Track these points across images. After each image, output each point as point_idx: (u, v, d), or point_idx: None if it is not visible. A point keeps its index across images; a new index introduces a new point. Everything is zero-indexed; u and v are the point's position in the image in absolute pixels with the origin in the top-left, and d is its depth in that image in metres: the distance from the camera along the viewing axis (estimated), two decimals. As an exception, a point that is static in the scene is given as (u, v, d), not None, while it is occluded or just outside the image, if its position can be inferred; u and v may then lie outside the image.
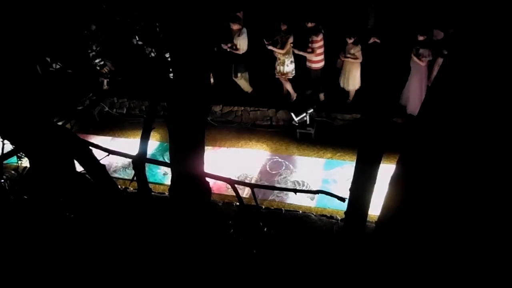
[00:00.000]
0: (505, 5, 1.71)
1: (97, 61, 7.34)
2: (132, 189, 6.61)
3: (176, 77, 3.00)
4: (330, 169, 7.02)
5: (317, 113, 7.79)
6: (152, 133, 3.73)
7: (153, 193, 6.48)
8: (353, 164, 3.26)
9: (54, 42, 3.43)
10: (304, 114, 7.49)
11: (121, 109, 9.36)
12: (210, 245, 4.40)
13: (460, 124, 2.04)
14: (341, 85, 7.93)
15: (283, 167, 7.22)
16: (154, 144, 8.08)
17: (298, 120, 7.57)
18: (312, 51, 7.57)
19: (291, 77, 8.05)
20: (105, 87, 9.02)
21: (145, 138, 3.59)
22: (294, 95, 8.30)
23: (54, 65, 3.74)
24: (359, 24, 8.48)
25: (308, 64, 7.80)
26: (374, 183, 3.19)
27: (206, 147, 3.61)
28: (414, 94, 7.24)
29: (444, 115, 2.14)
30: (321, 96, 8.19)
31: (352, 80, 7.75)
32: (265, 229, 5.43)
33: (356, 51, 7.42)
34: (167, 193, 6.28)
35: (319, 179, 6.82)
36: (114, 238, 4.10)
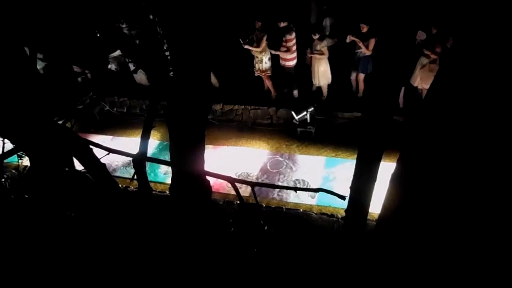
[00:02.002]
0: (503, 5, 1.71)
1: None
2: (132, 188, 6.63)
3: (176, 75, 3.00)
4: (330, 168, 7.02)
5: (318, 112, 7.79)
6: (152, 132, 3.73)
7: (153, 192, 6.49)
8: (354, 162, 3.26)
9: (54, 40, 3.43)
10: (305, 113, 7.49)
11: (121, 108, 9.36)
12: (211, 243, 4.41)
13: (459, 123, 2.04)
14: (313, 81, 8.09)
15: (284, 166, 7.23)
16: (154, 143, 8.09)
17: (298, 119, 7.57)
18: (288, 50, 7.71)
19: (270, 74, 8.20)
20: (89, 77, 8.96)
21: (145, 137, 3.59)
22: (274, 93, 8.45)
23: (54, 64, 3.74)
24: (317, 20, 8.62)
25: (282, 62, 7.97)
26: (375, 181, 3.19)
27: (206, 146, 3.61)
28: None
29: (443, 114, 2.14)
30: (295, 93, 8.35)
31: (322, 75, 7.92)
32: (266, 228, 5.44)
33: (322, 46, 7.56)
34: (167, 192, 6.28)
35: (319, 178, 6.82)
36: (115, 237, 4.10)
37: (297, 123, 7.66)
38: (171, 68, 3.06)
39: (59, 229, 3.94)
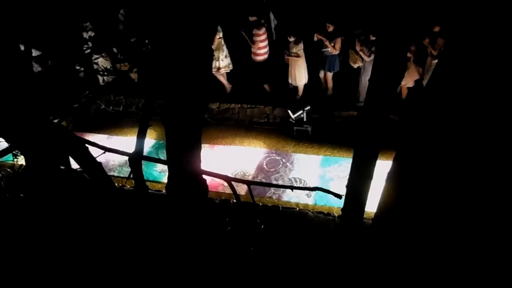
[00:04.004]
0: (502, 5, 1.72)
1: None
2: (129, 187, 6.61)
3: (173, 74, 2.99)
4: (327, 166, 7.03)
5: (314, 110, 7.81)
6: (148, 131, 3.72)
7: (150, 191, 6.46)
8: (350, 161, 3.27)
9: (50, 38, 3.41)
10: (301, 111, 7.50)
11: (117, 106, 9.32)
12: (208, 242, 4.41)
13: (455, 122, 2.05)
14: (289, 81, 8.23)
15: (280, 165, 7.23)
16: (150, 142, 8.06)
17: (295, 118, 7.57)
18: (254, 43, 7.86)
19: (228, 71, 8.37)
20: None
21: (141, 136, 3.57)
22: (229, 89, 8.64)
23: (49, 62, 3.72)
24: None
25: (253, 56, 8.15)
26: (371, 179, 3.20)
27: (203, 145, 3.60)
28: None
29: (439, 113, 2.15)
30: (266, 86, 8.53)
31: (298, 76, 8.04)
32: (262, 226, 5.44)
33: (298, 49, 7.68)
34: (164, 191, 6.26)
35: (316, 176, 6.83)
36: (111, 236, 4.09)
37: (294, 122, 7.67)
38: (167, 67, 3.04)
39: (55, 228, 3.92)
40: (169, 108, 3.17)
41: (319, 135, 7.73)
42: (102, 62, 7.90)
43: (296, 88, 8.26)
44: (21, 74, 3.10)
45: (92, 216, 4.05)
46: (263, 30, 7.83)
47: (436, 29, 6.83)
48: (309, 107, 7.50)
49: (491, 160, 2.02)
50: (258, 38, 7.83)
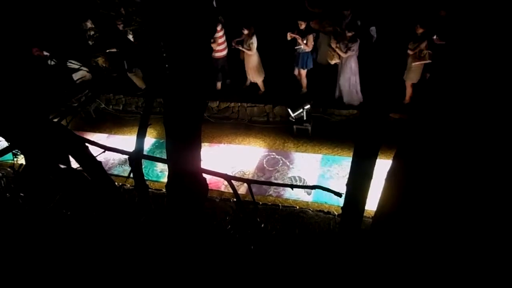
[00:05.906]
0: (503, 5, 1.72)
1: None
2: (129, 186, 6.61)
3: (173, 73, 2.99)
4: (327, 165, 7.03)
5: (314, 109, 7.80)
6: (148, 130, 3.72)
7: (150, 190, 6.45)
8: (350, 159, 3.27)
9: (49, 36, 3.40)
10: (301, 110, 7.49)
11: (117, 105, 9.32)
12: (208, 241, 4.41)
13: (456, 120, 2.05)
14: (248, 77, 8.35)
15: (280, 163, 7.23)
16: (150, 141, 8.07)
17: (295, 116, 7.57)
18: (214, 41, 7.95)
19: None
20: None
21: (141, 135, 3.57)
22: None
23: (49, 61, 3.72)
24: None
25: (212, 53, 8.22)
26: (371, 178, 3.20)
27: (202, 144, 3.60)
28: (349, 85, 7.66)
29: (440, 111, 2.15)
30: (228, 81, 8.78)
31: (253, 72, 8.13)
32: (262, 225, 5.45)
33: (250, 43, 7.69)
34: (164, 190, 6.27)
35: (316, 175, 6.84)
36: (111, 235, 4.09)
37: (294, 120, 7.67)
38: (167, 65, 3.04)
39: (55, 227, 3.92)
40: (169, 107, 3.17)
41: (319, 134, 7.74)
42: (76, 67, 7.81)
43: (255, 84, 8.39)
44: (21, 74, 3.10)
45: (92, 215, 4.06)
46: (219, 26, 7.96)
47: (419, 30, 6.78)
48: (308, 105, 7.50)
49: (493, 159, 2.02)
50: (217, 35, 7.95)
